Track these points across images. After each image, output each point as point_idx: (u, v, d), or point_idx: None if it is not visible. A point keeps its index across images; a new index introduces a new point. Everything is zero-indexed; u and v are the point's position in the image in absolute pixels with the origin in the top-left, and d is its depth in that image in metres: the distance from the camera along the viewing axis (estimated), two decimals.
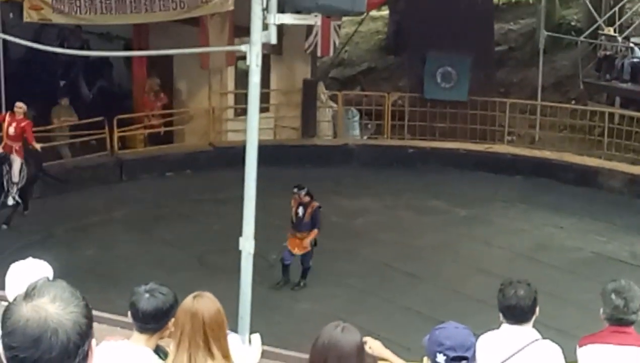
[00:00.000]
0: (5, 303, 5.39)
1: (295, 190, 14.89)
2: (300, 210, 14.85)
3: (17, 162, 16.58)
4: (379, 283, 14.99)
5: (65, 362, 2.31)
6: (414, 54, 22.27)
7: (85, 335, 2.35)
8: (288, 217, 16.82)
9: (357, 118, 22.24)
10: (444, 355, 4.11)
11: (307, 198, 14.84)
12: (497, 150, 20.68)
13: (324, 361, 4.15)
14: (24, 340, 2.29)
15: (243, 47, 6.34)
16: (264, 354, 5.49)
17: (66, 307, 2.34)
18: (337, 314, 13.79)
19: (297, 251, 14.80)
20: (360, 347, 4.35)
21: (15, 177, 16.57)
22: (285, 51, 20.63)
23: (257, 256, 7.89)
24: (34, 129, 17.08)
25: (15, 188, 16.54)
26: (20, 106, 16.43)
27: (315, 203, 14.90)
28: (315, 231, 14.77)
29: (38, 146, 16.86)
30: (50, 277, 4.84)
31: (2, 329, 2.37)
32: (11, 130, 16.39)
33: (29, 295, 2.37)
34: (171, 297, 4.70)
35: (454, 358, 4.10)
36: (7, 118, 16.53)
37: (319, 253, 15.96)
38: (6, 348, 2.34)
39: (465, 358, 4.11)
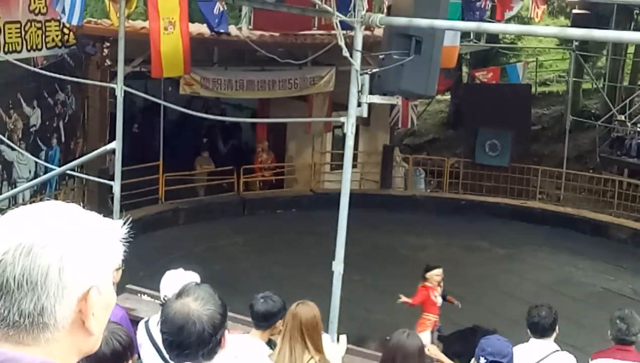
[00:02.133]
0: (158, 301, 5.52)
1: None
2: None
3: None
4: None
5: (201, 345, 2.39)
6: (468, 129, 22.15)
7: (218, 327, 2.42)
8: (367, 247, 16.75)
9: (423, 176, 22.13)
10: (485, 358, 4.06)
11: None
12: (530, 205, 20.35)
13: (392, 358, 4.13)
14: (172, 327, 2.39)
15: (342, 119, 6.40)
16: (347, 351, 5.47)
17: (204, 305, 2.42)
18: (403, 325, 13.72)
19: None
20: (422, 349, 4.32)
21: None
22: (372, 123, 20.73)
23: (343, 276, 7.88)
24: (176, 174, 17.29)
25: None
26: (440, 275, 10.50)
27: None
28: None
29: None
30: (197, 281, 4.92)
31: (161, 318, 2.47)
32: (440, 300, 10.87)
33: (179, 294, 2.47)
34: (279, 304, 4.74)
35: (492, 362, 4.04)
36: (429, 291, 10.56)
37: (391, 277, 15.84)
38: (161, 332, 2.44)
39: None
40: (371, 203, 19.82)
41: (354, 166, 19.99)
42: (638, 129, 21.28)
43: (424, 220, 19.50)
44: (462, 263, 17.04)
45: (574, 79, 23.15)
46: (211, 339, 2.38)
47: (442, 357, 5.55)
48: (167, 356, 2.73)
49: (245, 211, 19.45)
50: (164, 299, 4.09)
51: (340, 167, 7.02)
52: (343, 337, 5.44)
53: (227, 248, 17.04)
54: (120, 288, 7.48)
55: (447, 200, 20.80)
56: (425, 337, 9.57)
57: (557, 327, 5.57)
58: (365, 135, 21.21)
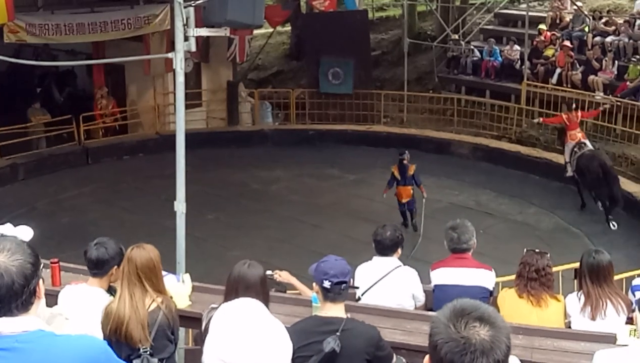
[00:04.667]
0: None
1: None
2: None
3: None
4: (290, 233, 14.97)
5: (13, 297, 2.27)
6: (310, 59, 22.21)
7: (30, 277, 2.30)
8: (219, 185, 16.67)
9: (269, 109, 22.11)
10: (330, 281, 4.13)
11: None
12: (375, 129, 20.78)
13: (235, 290, 4.14)
14: None
15: (170, 55, 6.22)
16: (195, 288, 5.44)
17: (11, 256, 2.28)
18: (259, 258, 13.69)
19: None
20: (263, 278, 4.34)
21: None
22: (212, 60, 20.42)
23: (196, 215, 7.77)
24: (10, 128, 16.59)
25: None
26: None
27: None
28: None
29: None
30: (29, 237, 4.71)
31: None
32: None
33: None
34: (112, 250, 4.62)
35: (337, 283, 4.13)
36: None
37: (245, 212, 15.89)
38: None
39: (344, 282, 4.15)
40: (220, 141, 19.70)
41: (198, 105, 20.05)
42: (471, 47, 22.07)
43: (274, 153, 19.61)
44: (314, 192, 17.32)
45: (409, 2, 23.60)
46: (23, 290, 2.27)
47: (295, 281, 5.63)
48: None
49: (89, 160, 18.85)
50: None
51: (186, 107, 6.83)
52: (187, 277, 5.41)
53: (72, 200, 16.50)
54: None
55: (296, 132, 20.93)
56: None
57: (400, 248, 5.75)
58: (207, 72, 20.90)
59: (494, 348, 1.95)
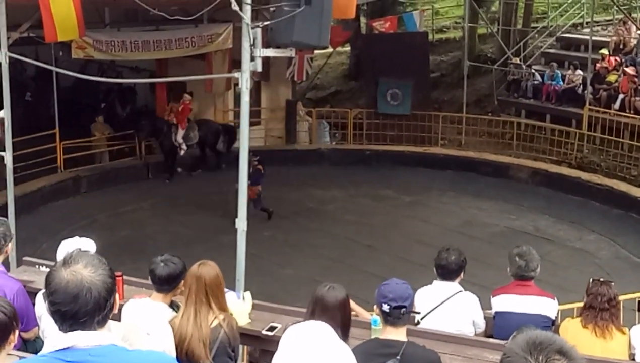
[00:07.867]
0: None
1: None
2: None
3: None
4: (344, 253, 14.95)
5: (97, 312, 2.31)
6: (369, 80, 22.24)
7: (111, 290, 2.35)
8: (276, 203, 16.76)
9: (327, 128, 22.19)
10: (388, 305, 4.10)
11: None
12: (432, 151, 20.67)
13: (312, 311, 4.11)
14: (65, 297, 2.28)
15: (236, 74, 6.29)
16: (255, 307, 5.46)
17: (96, 271, 2.32)
18: (313, 277, 13.83)
19: None
20: (342, 302, 4.26)
21: None
22: (272, 78, 20.57)
23: (252, 232, 7.81)
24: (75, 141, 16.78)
25: None
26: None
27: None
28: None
29: None
30: (93, 250, 4.80)
31: (47, 289, 2.35)
32: None
33: (66, 262, 2.35)
34: (180, 266, 4.66)
35: (395, 307, 4.09)
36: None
37: (301, 231, 15.93)
38: (51, 304, 2.33)
39: (404, 306, 4.10)
40: (277, 159, 19.77)
41: (257, 123, 20.21)
42: (533, 71, 21.84)
43: (330, 172, 19.63)
44: (369, 213, 17.28)
45: (470, 24, 23.51)
46: (106, 304, 2.32)
47: (352, 304, 5.58)
48: None
49: (149, 175, 19.11)
50: None
51: None
52: (248, 294, 5.42)
53: (132, 214, 16.73)
54: (18, 260, 7.25)
55: (352, 152, 20.94)
56: None
57: (463, 272, 5.66)
58: (267, 91, 21.08)
59: None
